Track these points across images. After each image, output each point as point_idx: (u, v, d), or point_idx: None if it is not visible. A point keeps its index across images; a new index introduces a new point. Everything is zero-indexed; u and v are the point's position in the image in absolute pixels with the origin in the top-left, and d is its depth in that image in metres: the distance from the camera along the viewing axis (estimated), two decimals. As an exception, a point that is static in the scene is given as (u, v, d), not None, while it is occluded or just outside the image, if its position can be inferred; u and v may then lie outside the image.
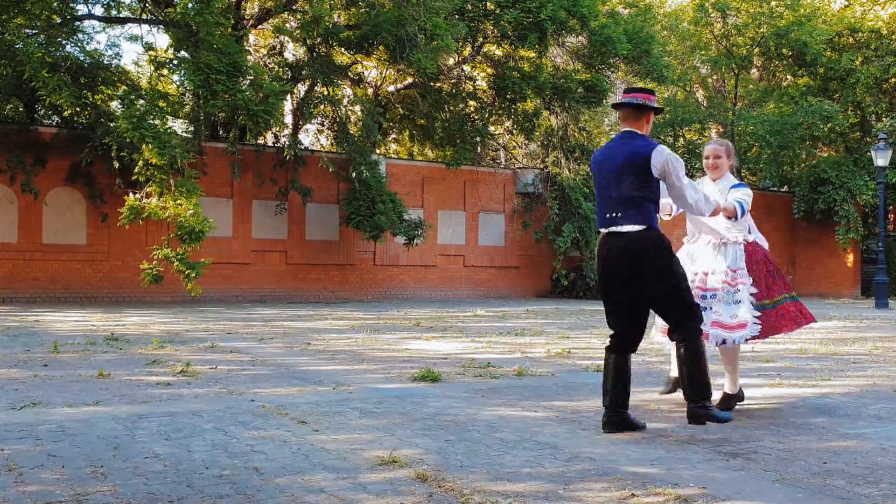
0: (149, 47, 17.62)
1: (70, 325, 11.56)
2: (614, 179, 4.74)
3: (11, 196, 17.15)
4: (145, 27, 18.96)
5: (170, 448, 4.09)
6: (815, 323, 5.63)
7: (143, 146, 14.60)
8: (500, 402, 5.59)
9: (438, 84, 21.14)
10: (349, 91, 20.92)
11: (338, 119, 19.48)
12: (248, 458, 3.93)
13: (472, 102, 22.73)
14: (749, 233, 5.58)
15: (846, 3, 29.68)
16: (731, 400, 5.40)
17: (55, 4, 16.83)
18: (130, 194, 15.12)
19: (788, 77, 30.00)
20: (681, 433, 4.63)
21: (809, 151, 29.17)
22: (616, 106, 4.98)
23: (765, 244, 5.65)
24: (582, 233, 22.02)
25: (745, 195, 5.42)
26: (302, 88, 20.90)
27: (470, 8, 20.67)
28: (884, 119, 26.37)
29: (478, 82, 23.40)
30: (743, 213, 5.35)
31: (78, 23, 18.18)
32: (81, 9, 18.50)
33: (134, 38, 23.54)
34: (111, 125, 15.79)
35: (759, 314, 5.31)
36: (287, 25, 20.02)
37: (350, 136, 19.13)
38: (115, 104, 18.00)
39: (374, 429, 4.61)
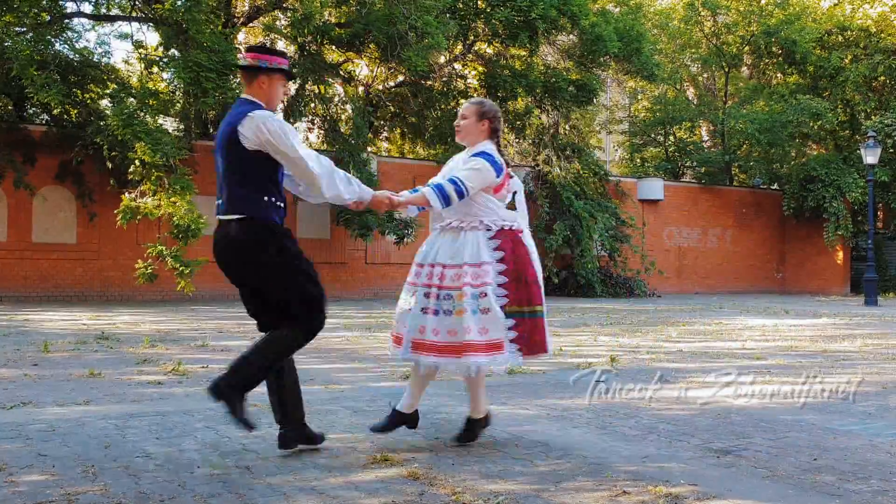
0: (138, 45, 17.55)
1: (60, 324, 11.51)
2: (218, 157, 3.87)
3: (0, 194, 17.06)
4: (135, 25, 18.87)
5: (161, 447, 4.08)
6: (546, 355, 4.28)
7: (137, 144, 14.54)
8: (491, 400, 5.58)
9: (429, 82, 21.14)
10: (340, 89, 20.88)
11: (328, 117, 19.45)
12: (239, 457, 3.92)
13: (463, 101, 22.71)
14: (514, 219, 4.32)
15: (835, 2, 29.85)
16: (476, 426, 4.28)
17: (44, 2, 16.73)
18: (126, 194, 15.06)
19: (778, 75, 30.15)
20: (672, 431, 4.64)
21: (799, 149, 29.33)
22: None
23: (524, 226, 4.37)
24: (573, 231, 22.06)
25: (469, 170, 4.04)
26: (292, 86, 20.86)
27: (461, 6, 20.67)
28: (873, 117, 26.49)
29: (469, 80, 23.40)
30: (447, 202, 3.99)
31: (67, 20, 18.08)
32: (70, 6, 18.42)
33: (124, 36, 23.42)
34: (101, 124, 15.72)
35: (512, 324, 4.00)
36: (277, 23, 19.98)
37: (341, 135, 19.10)
38: (104, 103, 17.92)
39: (366, 427, 4.61)
